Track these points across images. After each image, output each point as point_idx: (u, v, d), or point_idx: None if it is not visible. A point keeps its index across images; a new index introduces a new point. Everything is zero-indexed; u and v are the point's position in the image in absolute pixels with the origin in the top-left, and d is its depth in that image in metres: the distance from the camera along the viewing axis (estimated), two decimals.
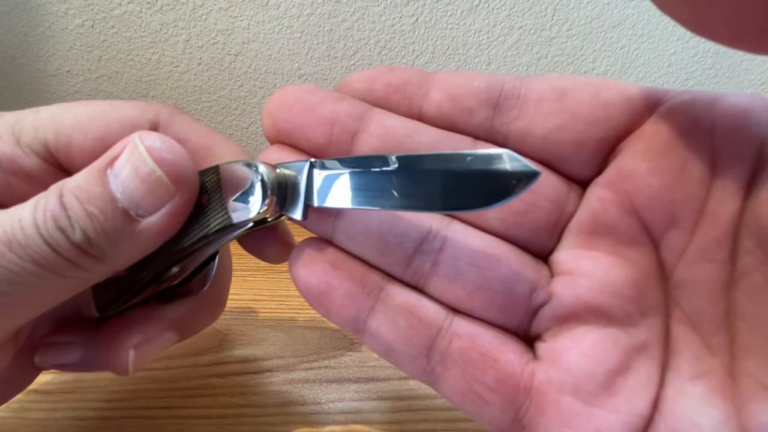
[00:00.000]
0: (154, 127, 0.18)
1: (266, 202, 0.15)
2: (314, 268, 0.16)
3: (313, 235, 0.17)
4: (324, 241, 0.17)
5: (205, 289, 0.19)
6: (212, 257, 0.18)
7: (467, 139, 0.16)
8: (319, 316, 0.30)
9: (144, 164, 0.14)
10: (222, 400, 0.24)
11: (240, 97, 0.45)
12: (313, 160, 0.15)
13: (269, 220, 0.16)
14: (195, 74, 0.44)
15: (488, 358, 0.15)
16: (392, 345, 0.16)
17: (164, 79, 0.44)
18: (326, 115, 0.16)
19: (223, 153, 0.18)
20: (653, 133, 0.15)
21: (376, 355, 0.27)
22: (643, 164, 0.15)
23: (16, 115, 0.17)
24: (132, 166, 0.14)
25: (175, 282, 0.18)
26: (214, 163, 0.16)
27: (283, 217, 0.16)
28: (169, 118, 0.18)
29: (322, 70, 0.44)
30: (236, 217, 0.15)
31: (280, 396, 0.25)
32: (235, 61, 0.43)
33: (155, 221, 0.15)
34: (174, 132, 0.18)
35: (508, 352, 0.15)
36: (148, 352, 0.18)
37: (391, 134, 0.16)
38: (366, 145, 0.16)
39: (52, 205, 0.14)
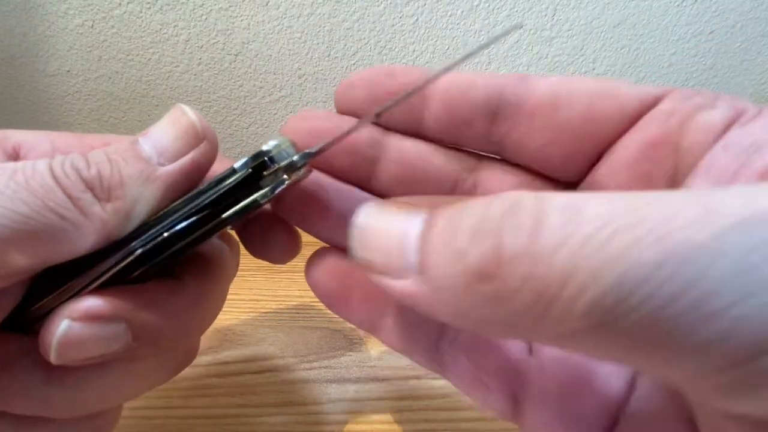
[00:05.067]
0: None
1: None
2: (331, 274, 0.17)
3: (327, 246, 0.18)
4: (338, 250, 0.18)
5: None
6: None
7: (471, 160, 0.18)
8: (319, 316, 0.31)
9: (180, 112, 0.15)
10: (222, 400, 0.24)
11: (240, 97, 0.45)
12: None
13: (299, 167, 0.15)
14: (195, 74, 0.44)
15: (491, 346, 0.16)
16: (405, 341, 0.17)
17: (164, 79, 0.44)
18: (346, 144, 0.17)
19: None
20: (625, 146, 0.15)
21: (376, 355, 0.27)
22: (611, 177, 0.16)
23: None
24: (167, 118, 0.15)
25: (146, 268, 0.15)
26: None
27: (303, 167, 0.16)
28: None
29: (322, 70, 0.44)
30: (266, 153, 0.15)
31: (280, 396, 0.25)
32: (235, 61, 0.43)
33: (175, 168, 0.15)
34: None
35: (509, 342, 0.16)
36: (83, 336, 0.14)
37: (405, 159, 0.17)
38: (387, 174, 0.17)
39: (76, 156, 0.14)
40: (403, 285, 0.11)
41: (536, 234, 0.08)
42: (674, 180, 0.15)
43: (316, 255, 0.18)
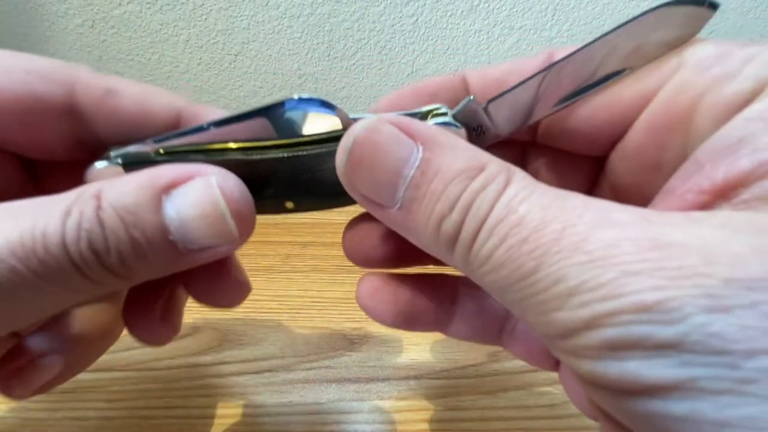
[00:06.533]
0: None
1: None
2: (390, 302, 0.17)
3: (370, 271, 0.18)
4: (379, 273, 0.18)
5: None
6: None
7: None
8: (319, 316, 0.31)
9: (215, 209, 0.13)
10: (222, 400, 0.24)
11: (240, 97, 0.45)
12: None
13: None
14: (195, 74, 0.44)
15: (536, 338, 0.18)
16: (472, 336, 0.19)
17: (164, 79, 0.44)
18: None
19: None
20: (634, 131, 0.16)
21: (376, 355, 0.27)
22: (622, 162, 0.17)
23: None
24: (200, 206, 0.13)
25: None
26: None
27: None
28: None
29: (322, 70, 0.44)
30: None
31: (280, 396, 0.25)
32: (235, 61, 0.43)
33: (200, 257, 0.14)
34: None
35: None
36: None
37: None
38: None
39: (89, 222, 0.12)
40: (382, 210, 0.13)
41: (488, 222, 0.11)
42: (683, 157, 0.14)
43: (366, 282, 0.18)
